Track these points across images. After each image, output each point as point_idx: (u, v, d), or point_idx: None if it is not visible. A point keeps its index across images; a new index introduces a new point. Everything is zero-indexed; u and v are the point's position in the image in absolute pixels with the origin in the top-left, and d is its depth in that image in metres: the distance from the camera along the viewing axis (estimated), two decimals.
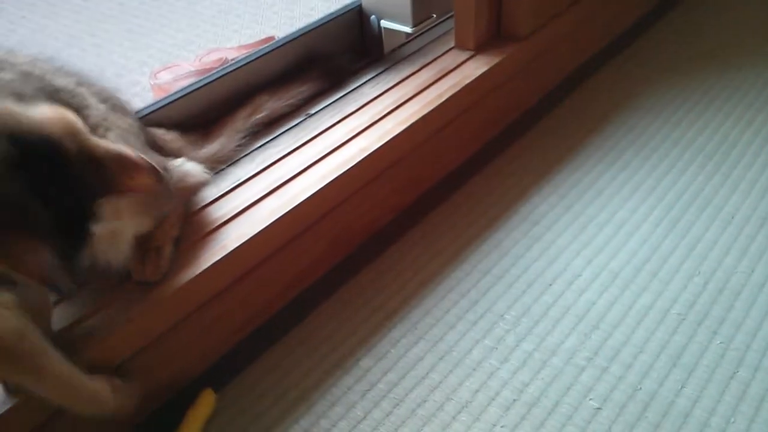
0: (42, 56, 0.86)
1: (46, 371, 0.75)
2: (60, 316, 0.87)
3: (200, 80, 1.19)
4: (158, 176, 0.74)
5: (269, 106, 1.21)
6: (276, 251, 1.04)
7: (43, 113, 0.69)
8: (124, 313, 0.87)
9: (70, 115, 0.71)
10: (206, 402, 0.97)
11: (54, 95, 0.80)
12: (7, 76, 0.77)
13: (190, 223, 1.01)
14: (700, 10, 1.87)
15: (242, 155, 1.15)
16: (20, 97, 0.73)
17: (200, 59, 1.66)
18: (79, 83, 0.86)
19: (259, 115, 1.19)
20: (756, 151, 1.38)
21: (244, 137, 1.16)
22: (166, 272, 0.92)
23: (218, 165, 1.11)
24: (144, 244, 0.91)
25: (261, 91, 1.22)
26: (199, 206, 1.04)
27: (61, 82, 0.83)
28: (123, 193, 0.73)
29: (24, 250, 0.66)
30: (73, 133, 0.69)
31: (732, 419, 0.92)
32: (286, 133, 1.19)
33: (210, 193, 1.06)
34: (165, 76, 1.58)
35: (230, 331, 1.04)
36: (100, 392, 0.81)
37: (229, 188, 1.07)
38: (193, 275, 0.92)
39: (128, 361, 0.89)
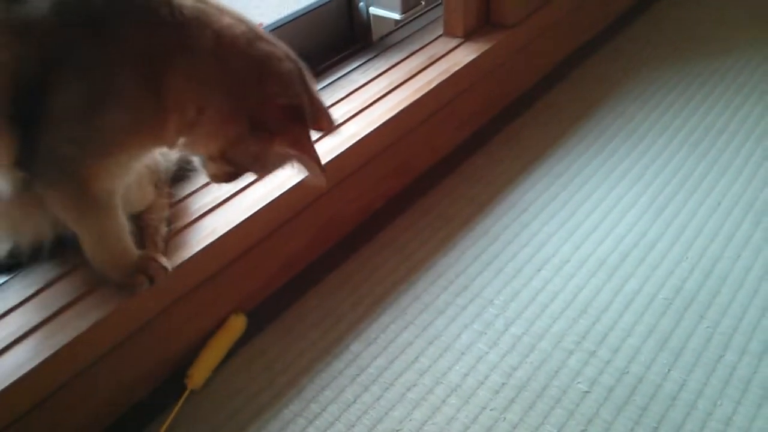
0: None
1: None
2: (53, 298, 0.87)
3: None
4: None
5: None
6: (264, 237, 1.04)
7: None
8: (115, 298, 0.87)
9: None
10: (236, 325, 1.03)
11: None
12: None
13: (177, 209, 1.00)
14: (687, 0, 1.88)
15: None
16: None
17: None
18: None
19: None
20: (742, 138, 1.39)
21: None
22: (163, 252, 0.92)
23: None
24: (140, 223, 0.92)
25: None
26: (186, 193, 1.04)
27: None
28: None
29: None
30: None
31: (719, 402, 0.93)
32: None
33: (199, 179, 1.06)
34: None
35: (220, 316, 1.04)
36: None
37: None
38: (183, 260, 0.91)
39: (118, 347, 0.89)
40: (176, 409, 0.94)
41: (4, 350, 0.81)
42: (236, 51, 0.75)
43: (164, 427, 0.92)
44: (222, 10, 0.77)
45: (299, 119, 0.79)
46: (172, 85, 0.74)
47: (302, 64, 0.80)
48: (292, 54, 0.80)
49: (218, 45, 0.74)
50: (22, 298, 0.88)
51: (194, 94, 0.75)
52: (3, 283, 0.90)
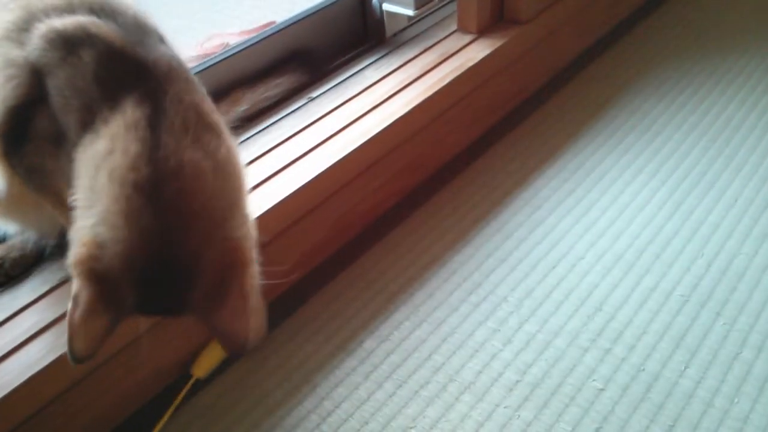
0: None
1: None
2: (66, 296, 0.87)
3: (201, 64, 1.19)
4: None
5: (248, 99, 1.19)
6: (279, 234, 1.04)
7: None
8: None
9: None
10: None
11: None
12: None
13: None
14: None
15: (244, 139, 1.15)
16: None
17: (202, 45, 1.66)
18: None
19: (240, 108, 1.17)
20: (760, 134, 1.38)
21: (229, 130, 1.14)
22: None
23: None
24: None
25: (238, 86, 1.20)
26: None
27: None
28: None
29: None
30: None
31: (735, 400, 0.92)
32: (289, 116, 1.19)
33: None
34: None
35: None
36: None
37: None
38: None
39: (131, 343, 0.89)
40: (180, 395, 0.94)
41: (18, 348, 0.82)
42: None
43: (168, 413, 0.93)
44: None
45: None
46: None
47: None
48: None
49: None
50: (36, 296, 0.88)
51: None
52: (16, 282, 0.90)
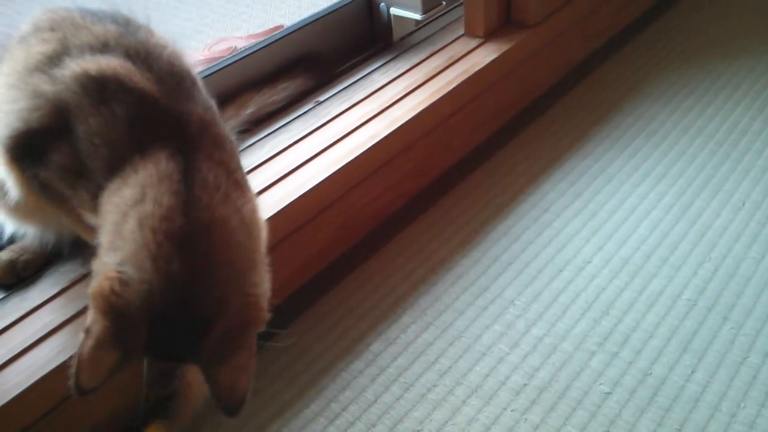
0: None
1: None
2: (76, 297, 0.88)
3: (209, 68, 1.20)
4: None
5: (255, 102, 1.19)
6: (286, 236, 1.04)
7: None
8: None
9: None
10: None
11: None
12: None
13: None
14: None
15: (252, 142, 1.15)
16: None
17: (209, 48, 1.66)
18: None
19: (246, 112, 1.17)
20: (766, 138, 1.37)
21: (237, 133, 1.15)
22: None
23: None
24: None
25: (246, 90, 1.21)
26: None
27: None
28: None
29: None
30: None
31: (742, 404, 0.92)
32: (296, 120, 1.20)
33: None
34: None
35: None
36: None
37: None
38: None
39: None
40: None
41: (29, 348, 0.82)
42: None
43: None
44: None
45: None
46: None
47: None
48: None
49: None
50: (47, 297, 0.89)
51: None
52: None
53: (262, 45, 1.25)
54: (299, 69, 1.26)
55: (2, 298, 0.90)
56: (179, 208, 0.66)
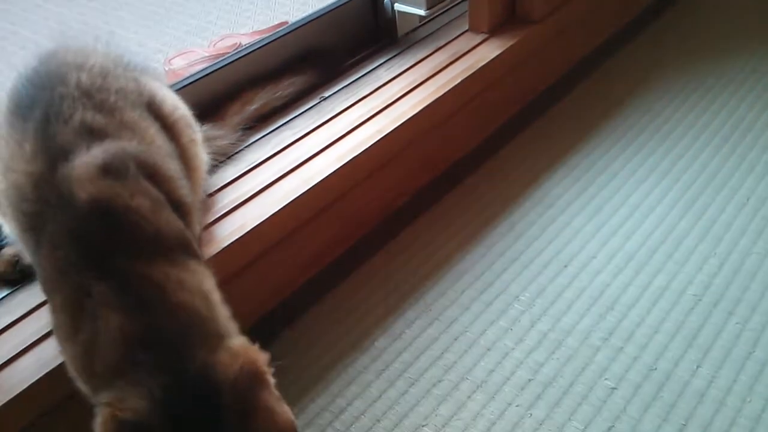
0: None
1: None
2: None
3: (214, 64, 1.20)
4: None
5: (260, 98, 1.19)
6: (292, 232, 1.04)
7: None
8: None
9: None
10: None
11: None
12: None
13: (208, 203, 1.01)
14: None
15: (257, 138, 1.15)
16: None
17: (214, 45, 1.67)
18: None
19: (252, 107, 1.17)
20: None
21: (242, 129, 1.15)
22: None
23: (218, 158, 1.09)
24: None
25: (251, 86, 1.20)
26: (217, 187, 1.05)
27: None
28: None
29: None
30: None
31: (748, 399, 0.92)
32: (302, 115, 1.20)
33: (227, 174, 1.07)
34: (179, 62, 1.58)
35: (247, 311, 1.05)
36: None
37: (246, 170, 1.08)
38: (212, 254, 0.92)
39: None
40: None
41: (33, 345, 0.82)
42: None
43: None
44: None
45: None
46: None
47: None
48: None
49: None
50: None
51: None
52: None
53: (266, 41, 1.25)
54: (304, 65, 1.26)
55: (9, 294, 0.90)
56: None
